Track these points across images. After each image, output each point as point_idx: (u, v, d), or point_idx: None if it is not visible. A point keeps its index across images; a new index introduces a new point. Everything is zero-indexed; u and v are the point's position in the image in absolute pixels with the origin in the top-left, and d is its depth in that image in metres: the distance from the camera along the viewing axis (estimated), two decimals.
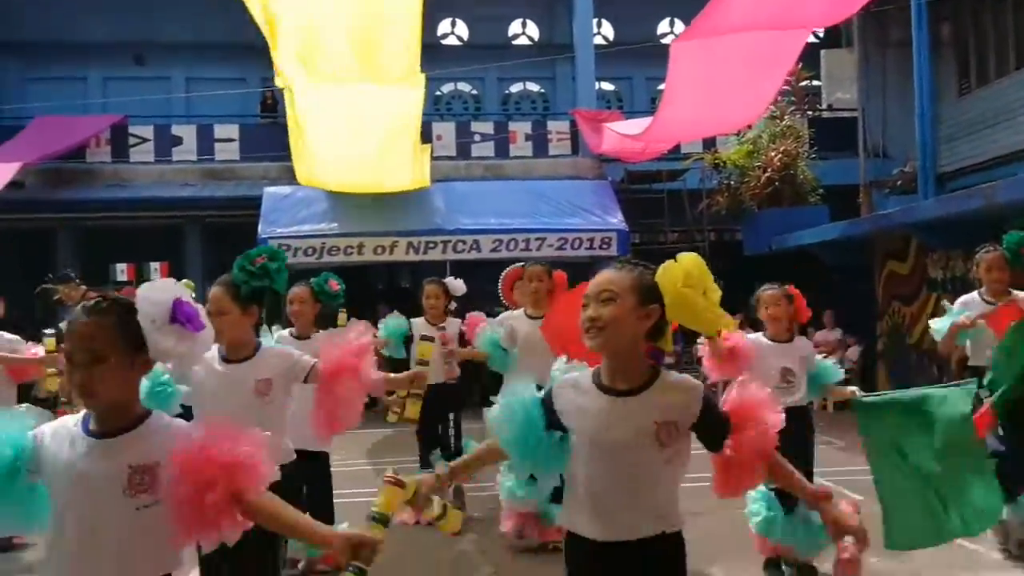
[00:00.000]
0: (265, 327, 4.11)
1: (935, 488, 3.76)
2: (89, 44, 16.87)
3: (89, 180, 14.81)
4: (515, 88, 19.14)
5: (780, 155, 13.75)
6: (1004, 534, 5.25)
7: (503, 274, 6.66)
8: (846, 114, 15.82)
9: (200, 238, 15.35)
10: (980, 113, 13.56)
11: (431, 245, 13.05)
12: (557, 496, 4.42)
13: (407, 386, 4.11)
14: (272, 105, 16.27)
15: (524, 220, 13.35)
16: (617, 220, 13.58)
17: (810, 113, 15.69)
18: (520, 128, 16.16)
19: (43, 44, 16.76)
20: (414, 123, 10.94)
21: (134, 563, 2.13)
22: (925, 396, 3.94)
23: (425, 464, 6.85)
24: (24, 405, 2.59)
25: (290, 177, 12.70)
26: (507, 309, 6.38)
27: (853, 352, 12.80)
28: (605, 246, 13.23)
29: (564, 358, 2.74)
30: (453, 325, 6.79)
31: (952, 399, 3.82)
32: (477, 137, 15.86)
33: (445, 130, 15.78)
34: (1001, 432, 5.22)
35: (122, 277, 14.10)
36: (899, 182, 14.34)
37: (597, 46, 16.81)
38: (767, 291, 5.05)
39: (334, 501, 5.34)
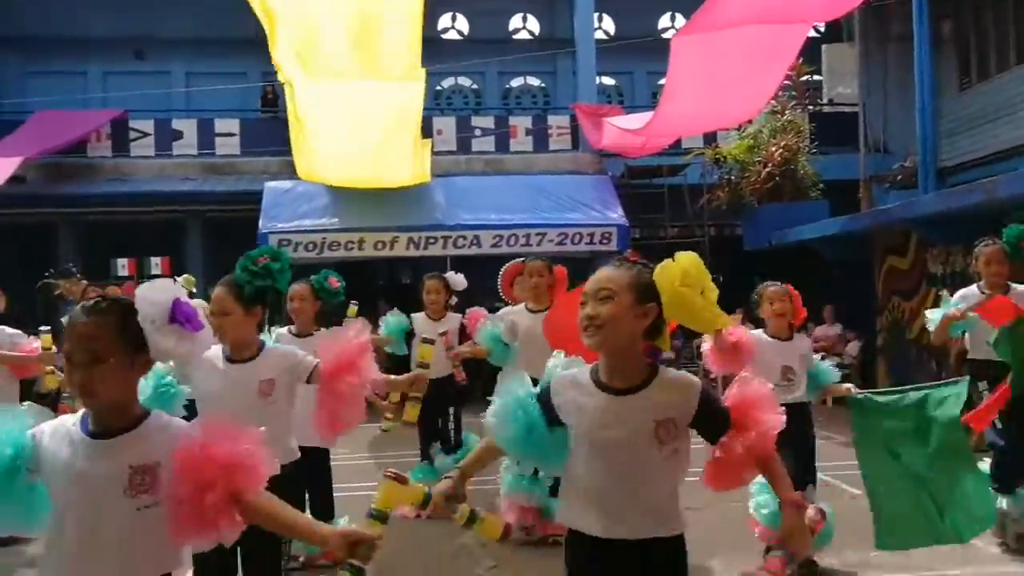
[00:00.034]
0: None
1: (929, 491, 3.78)
2: (89, 38, 16.83)
3: (90, 174, 14.83)
4: (516, 83, 19.12)
5: (781, 150, 13.76)
6: (1002, 528, 5.27)
7: (502, 269, 6.68)
8: (847, 109, 15.81)
9: (201, 233, 15.36)
10: (981, 108, 13.55)
11: (431, 240, 13.05)
12: (557, 490, 4.44)
13: (407, 388, 4.11)
14: (273, 100, 16.28)
15: (524, 215, 13.34)
16: (617, 215, 13.58)
17: (811, 108, 15.70)
18: (520, 123, 16.14)
19: (43, 38, 16.74)
20: (415, 118, 10.94)
21: (135, 563, 2.13)
22: (919, 401, 3.95)
23: (425, 457, 6.88)
24: (26, 403, 2.60)
25: (291, 172, 12.71)
26: (507, 304, 6.40)
27: (853, 347, 12.81)
28: (605, 241, 13.24)
29: (562, 353, 2.75)
30: (453, 320, 6.81)
31: (945, 403, 3.83)
32: (477, 132, 15.85)
33: (445, 125, 15.77)
34: (1000, 426, 5.25)
35: (123, 272, 14.10)
36: (899, 177, 14.34)
37: (598, 41, 16.80)
38: (771, 287, 5.06)
39: (335, 495, 5.36)
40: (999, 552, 5.24)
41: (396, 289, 15.70)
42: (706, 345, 4.87)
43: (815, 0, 7.94)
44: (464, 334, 6.69)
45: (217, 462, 2.08)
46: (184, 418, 2.34)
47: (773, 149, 13.81)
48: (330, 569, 4.88)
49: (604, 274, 2.44)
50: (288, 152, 11.76)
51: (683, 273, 2.41)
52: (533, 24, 19.05)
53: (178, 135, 15.34)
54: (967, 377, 4.18)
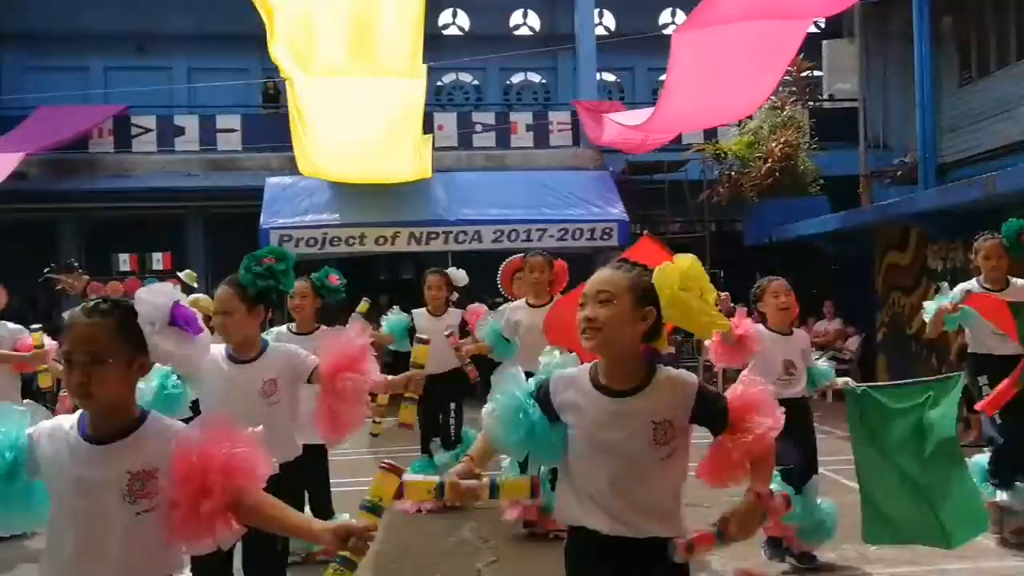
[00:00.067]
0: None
1: (922, 488, 3.79)
2: (91, 34, 16.82)
3: (91, 170, 14.83)
4: (516, 79, 19.11)
5: (781, 146, 13.77)
6: (999, 522, 5.29)
7: (502, 265, 6.69)
8: (847, 105, 15.78)
9: (202, 228, 15.38)
10: (981, 104, 13.55)
11: (433, 236, 13.07)
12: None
13: (403, 389, 4.12)
14: (274, 95, 16.26)
15: (525, 211, 13.37)
16: (618, 211, 13.59)
17: (811, 104, 15.69)
18: (521, 119, 16.15)
19: (45, 34, 16.73)
20: (416, 113, 10.94)
21: (134, 567, 2.14)
22: (916, 397, 3.97)
23: (425, 452, 6.91)
24: (26, 401, 2.62)
25: (292, 167, 12.69)
26: (507, 300, 6.42)
27: (853, 342, 12.83)
28: (606, 237, 13.26)
29: (556, 350, 2.75)
30: (454, 316, 6.83)
31: (941, 403, 3.85)
32: (478, 127, 15.85)
33: (447, 120, 15.77)
34: (999, 421, 5.28)
35: (125, 267, 14.10)
36: (899, 173, 14.36)
37: (598, 37, 16.79)
38: (774, 281, 5.08)
39: (334, 491, 5.36)
40: (996, 546, 5.27)
41: (398, 284, 15.72)
42: (710, 339, 4.88)
43: None
44: (465, 330, 6.70)
45: (215, 467, 2.08)
46: (189, 418, 2.35)
47: (773, 145, 13.82)
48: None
49: (603, 276, 2.44)
50: (290, 148, 11.75)
51: (682, 276, 2.41)
52: (534, 20, 19.03)
53: (180, 131, 15.35)
54: (960, 373, 4.21)
